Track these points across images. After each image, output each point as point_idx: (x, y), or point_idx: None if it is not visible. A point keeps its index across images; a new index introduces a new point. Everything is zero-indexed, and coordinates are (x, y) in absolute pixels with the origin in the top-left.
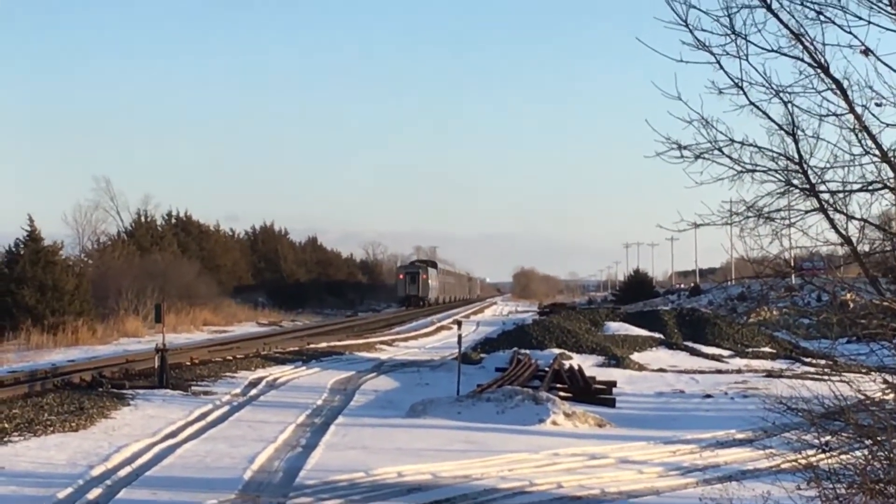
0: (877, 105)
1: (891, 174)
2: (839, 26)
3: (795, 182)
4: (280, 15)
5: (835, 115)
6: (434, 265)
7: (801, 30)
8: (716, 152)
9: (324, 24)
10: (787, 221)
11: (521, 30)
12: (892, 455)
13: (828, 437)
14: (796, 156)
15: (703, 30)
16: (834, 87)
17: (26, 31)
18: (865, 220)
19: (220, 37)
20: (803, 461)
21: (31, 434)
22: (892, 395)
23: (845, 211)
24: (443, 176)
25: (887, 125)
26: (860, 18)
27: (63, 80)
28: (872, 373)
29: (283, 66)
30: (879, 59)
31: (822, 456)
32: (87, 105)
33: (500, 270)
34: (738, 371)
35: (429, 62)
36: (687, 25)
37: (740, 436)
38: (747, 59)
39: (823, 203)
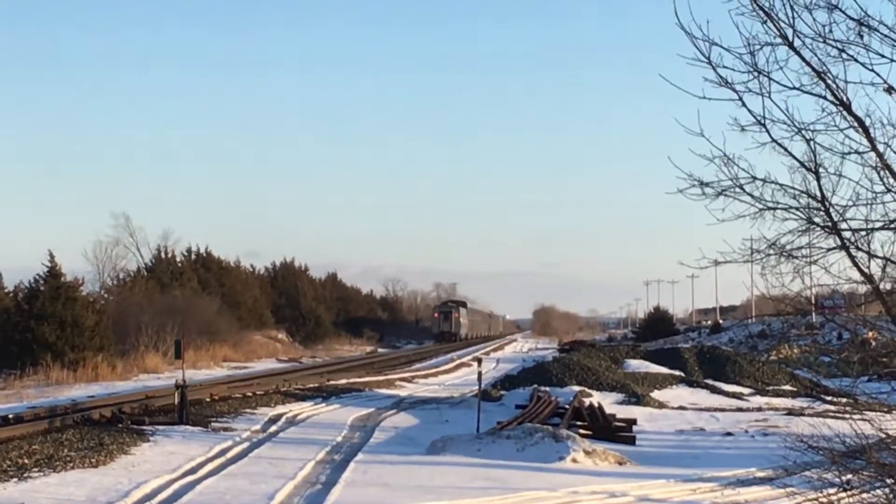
0: None
1: None
2: (861, 64)
3: (817, 220)
4: (302, 52)
5: (857, 152)
6: (464, 305)
7: (824, 67)
8: (737, 189)
9: (346, 57)
10: (808, 259)
11: (543, 64)
12: None
13: (849, 476)
14: (818, 193)
15: (725, 67)
16: (856, 124)
17: (45, 66)
18: (888, 259)
19: (237, 72)
20: (824, 500)
21: (50, 470)
22: None
23: (867, 249)
24: (463, 212)
25: None
26: (882, 56)
27: (81, 115)
28: (894, 411)
29: (304, 102)
30: None
31: (844, 495)
32: (106, 140)
33: (520, 307)
34: (759, 409)
35: (448, 95)
36: (710, 62)
37: (761, 474)
38: (769, 97)
39: (845, 241)
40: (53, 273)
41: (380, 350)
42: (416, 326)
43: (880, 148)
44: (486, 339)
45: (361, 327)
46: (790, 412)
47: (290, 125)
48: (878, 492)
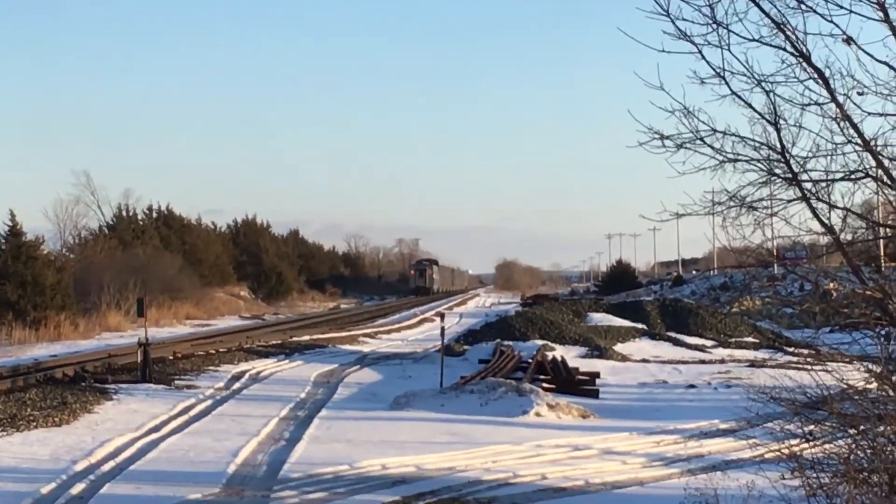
0: (859, 94)
1: (873, 163)
2: (821, 15)
3: (778, 171)
4: (261, 8)
5: (817, 104)
6: (436, 263)
7: (783, 19)
8: (698, 142)
9: (305, 18)
10: (769, 211)
11: (501, 21)
12: (875, 444)
13: (811, 427)
14: (778, 145)
15: (684, 19)
16: (816, 76)
17: (3, 25)
18: (848, 210)
19: (200, 30)
20: (787, 451)
21: (13, 429)
22: (875, 384)
23: (828, 200)
24: (424, 167)
25: (869, 114)
26: (842, 7)
27: (42, 74)
28: (855, 362)
29: (265, 60)
30: (861, 48)
31: (806, 445)
32: (67, 99)
33: (483, 262)
34: (722, 361)
35: (409, 55)
36: (668, 15)
37: (724, 426)
38: (729, 49)
39: (806, 192)
40: (14, 232)
41: (343, 306)
42: (378, 282)
43: (840, 99)
44: (455, 292)
45: (324, 283)
46: (752, 364)
47: (249, 82)
48: (841, 442)
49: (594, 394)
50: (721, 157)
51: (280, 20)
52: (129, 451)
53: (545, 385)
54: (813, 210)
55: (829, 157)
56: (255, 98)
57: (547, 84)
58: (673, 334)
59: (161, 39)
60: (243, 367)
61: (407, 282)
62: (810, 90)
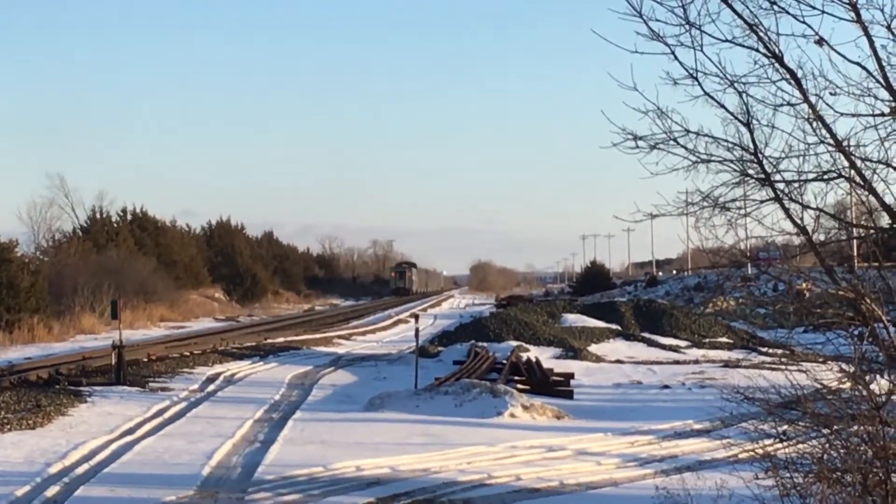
0: (831, 94)
1: (846, 163)
2: (793, 16)
3: (750, 172)
4: (233, 8)
5: (789, 104)
6: (414, 265)
7: (756, 20)
8: (671, 143)
9: (278, 20)
10: (742, 211)
11: (474, 23)
12: (849, 444)
13: (785, 427)
14: (751, 145)
15: (657, 20)
16: (788, 76)
17: None
18: (821, 210)
19: (173, 31)
20: (761, 451)
21: None
22: (848, 384)
23: (800, 200)
24: (398, 169)
25: (841, 114)
26: (814, 8)
27: (15, 76)
28: (829, 362)
29: (238, 62)
30: (833, 49)
31: (780, 445)
32: (41, 102)
33: (457, 263)
34: (696, 361)
35: (383, 57)
36: (641, 16)
37: (698, 426)
38: (702, 50)
39: (779, 192)
40: None
41: (317, 307)
42: (353, 283)
43: (812, 99)
44: (432, 293)
45: (298, 285)
46: (726, 364)
47: (223, 84)
48: (814, 442)
49: (569, 395)
50: (694, 158)
51: (254, 21)
52: (103, 454)
53: (520, 386)
54: (786, 210)
55: (801, 158)
56: (228, 100)
57: (521, 85)
58: (647, 335)
59: (135, 40)
60: (218, 369)
61: (381, 283)
62: (783, 91)
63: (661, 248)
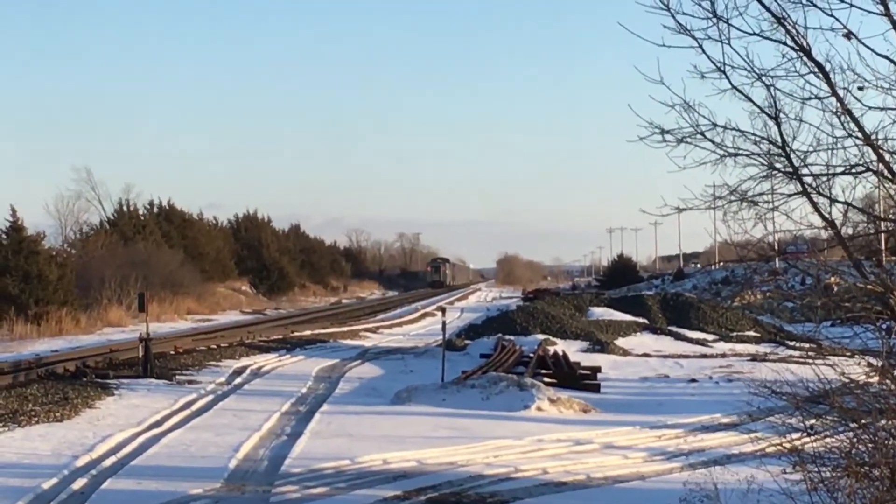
0: (859, 88)
1: (873, 157)
2: (821, 9)
3: (778, 166)
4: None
5: (817, 98)
6: (447, 260)
7: (784, 13)
8: (698, 136)
9: (306, 11)
10: (770, 205)
11: (501, 15)
12: (876, 438)
13: (812, 421)
14: (779, 139)
15: (684, 13)
16: (816, 70)
17: (5, 20)
18: (849, 204)
19: (200, 25)
20: (788, 445)
21: (15, 425)
22: (876, 378)
23: (828, 194)
24: (425, 162)
25: (870, 108)
26: (842, 1)
27: (43, 70)
28: (856, 356)
29: (266, 56)
30: (861, 42)
31: (807, 439)
32: (69, 95)
33: (484, 256)
34: (723, 355)
35: (411, 49)
36: (668, 9)
37: (725, 420)
38: (729, 43)
39: (807, 186)
40: (15, 227)
41: (344, 301)
42: (380, 276)
43: (840, 93)
44: (464, 286)
45: (325, 278)
46: (754, 358)
47: (248, 76)
48: (842, 436)
49: (595, 388)
50: (722, 152)
51: (281, 13)
52: (130, 447)
53: (546, 380)
54: (814, 204)
55: (829, 152)
56: (255, 92)
57: (548, 78)
58: (674, 328)
59: (161, 34)
60: (245, 361)
61: (409, 276)
62: (811, 84)
63: (689, 242)
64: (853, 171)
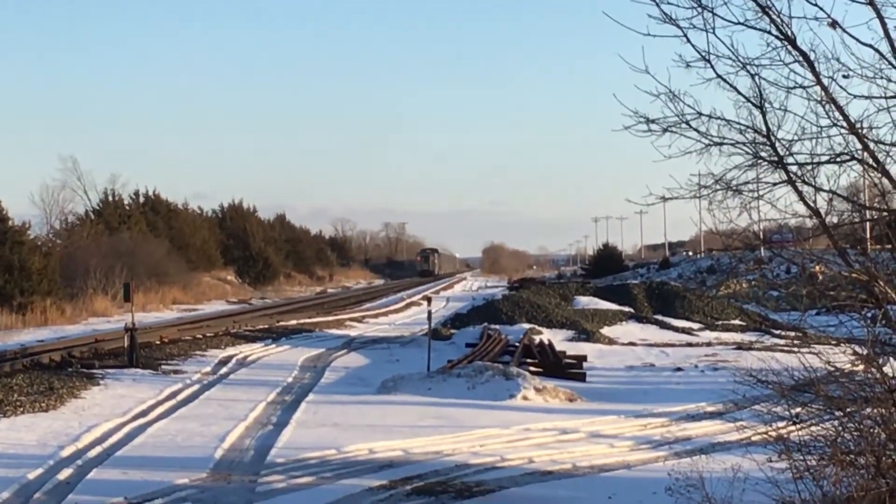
0: (844, 77)
1: (858, 146)
2: None
3: (763, 154)
4: None
5: (802, 87)
6: (436, 251)
7: (768, 2)
8: (683, 125)
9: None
10: (755, 194)
11: (489, 4)
12: (862, 426)
13: (798, 409)
14: (764, 128)
15: (669, 3)
16: (801, 59)
17: None
18: (833, 192)
19: (184, 15)
20: (774, 433)
21: (0, 415)
22: (861, 367)
23: (813, 183)
24: (411, 151)
25: (854, 97)
26: None
27: (28, 59)
28: (842, 344)
29: (252, 46)
30: (846, 32)
31: (793, 428)
32: (53, 84)
33: (470, 246)
34: (708, 344)
35: (397, 38)
36: None
37: (711, 409)
38: (714, 32)
39: (791, 175)
40: (0, 217)
41: (330, 290)
42: (366, 265)
43: (825, 82)
44: (451, 274)
45: (311, 267)
46: (739, 346)
47: (233, 66)
48: (827, 424)
49: (581, 377)
50: (707, 141)
51: (266, 4)
52: (116, 437)
53: (532, 369)
54: (799, 193)
55: (814, 140)
56: (239, 82)
57: (533, 67)
58: (660, 317)
59: (146, 23)
60: (230, 351)
61: (394, 266)
62: (795, 73)
63: (674, 231)
64: (838, 159)
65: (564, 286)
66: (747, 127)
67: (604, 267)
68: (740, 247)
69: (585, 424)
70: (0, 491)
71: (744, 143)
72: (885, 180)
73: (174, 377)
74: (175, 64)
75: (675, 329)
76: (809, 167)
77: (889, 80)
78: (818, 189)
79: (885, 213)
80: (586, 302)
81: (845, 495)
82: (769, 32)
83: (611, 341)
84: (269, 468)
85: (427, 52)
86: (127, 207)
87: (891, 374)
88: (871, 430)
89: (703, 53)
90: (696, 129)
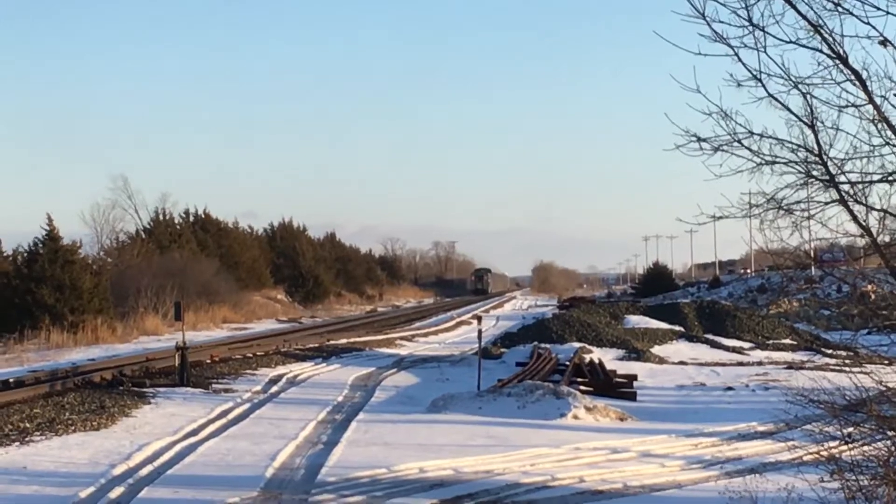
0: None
1: None
2: (857, 17)
3: (815, 173)
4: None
5: (854, 105)
6: (489, 271)
7: (820, 21)
8: (735, 144)
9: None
10: (806, 213)
11: (543, 21)
12: None
13: (850, 429)
14: (816, 147)
15: (720, 21)
16: (853, 77)
17: (43, 30)
18: (886, 211)
19: (231, 33)
20: (825, 453)
21: (52, 433)
22: None
23: (865, 202)
24: (461, 169)
25: None
26: (878, 9)
27: (80, 79)
28: (894, 364)
29: (304, 65)
30: None
31: (845, 448)
32: (104, 104)
33: (520, 264)
34: (759, 363)
35: (449, 50)
36: (704, 18)
37: (762, 428)
38: (765, 51)
39: (843, 194)
40: (52, 236)
41: (379, 309)
42: (416, 283)
43: (877, 101)
44: (499, 293)
45: (361, 286)
46: (790, 366)
47: (284, 85)
48: (880, 444)
49: (632, 396)
50: (758, 160)
51: (311, 21)
52: (167, 455)
53: (583, 388)
54: (850, 212)
55: (866, 159)
56: (287, 102)
57: (585, 86)
58: (710, 336)
59: (195, 42)
60: (281, 370)
61: (443, 284)
62: (847, 92)
63: (725, 250)
64: (890, 178)
65: (614, 305)
66: (799, 146)
67: (654, 285)
68: (791, 266)
69: (636, 444)
70: None
71: (795, 162)
72: None
73: (225, 396)
74: (226, 82)
75: (726, 348)
76: (861, 186)
77: None
78: (870, 208)
79: None
80: (636, 321)
81: None
82: (821, 51)
83: (661, 360)
84: (319, 487)
85: (479, 70)
86: (177, 226)
87: None
88: None
89: (755, 72)
90: (747, 148)
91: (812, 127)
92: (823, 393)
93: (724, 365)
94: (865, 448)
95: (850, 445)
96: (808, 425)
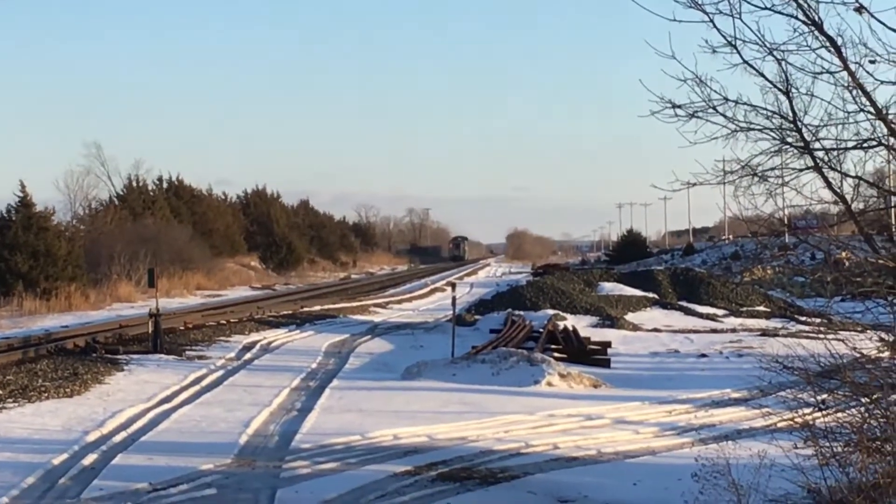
0: (871, 62)
1: (885, 131)
2: None
3: (790, 140)
4: None
5: (829, 72)
6: (466, 238)
7: None
8: (710, 111)
9: None
10: (781, 180)
11: None
12: (888, 413)
13: (824, 396)
14: (790, 114)
15: None
16: (828, 44)
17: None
18: (860, 178)
19: (208, 5)
20: (800, 420)
21: (25, 400)
22: (887, 353)
23: (840, 169)
24: (434, 137)
25: (882, 82)
26: None
27: (53, 46)
28: (868, 331)
29: (275, 34)
30: (873, 16)
31: (819, 414)
32: (78, 71)
33: (494, 232)
34: (733, 330)
35: (417, 24)
36: None
37: (736, 395)
38: (740, 18)
39: (818, 161)
40: (25, 203)
41: (353, 276)
42: (389, 250)
43: (852, 67)
44: (474, 261)
45: (335, 253)
46: (764, 333)
47: (259, 52)
48: (853, 411)
49: (606, 363)
50: (733, 126)
51: None
52: (140, 422)
53: (557, 355)
54: (825, 179)
55: (841, 126)
56: (262, 69)
57: (558, 53)
58: (684, 303)
59: (170, 10)
60: (254, 337)
61: (417, 252)
62: (822, 59)
63: (699, 217)
64: (864, 145)
65: (588, 272)
66: (774, 112)
67: (628, 253)
68: (766, 233)
69: (610, 410)
70: (25, 476)
71: (770, 129)
72: None
73: (198, 363)
74: (199, 50)
75: (700, 315)
76: (835, 153)
77: None
78: (844, 175)
79: None
80: (610, 288)
81: (871, 482)
82: (796, 17)
83: (635, 327)
84: (293, 454)
85: (451, 39)
86: (151, 193)
87: None
88: None
89: (730, 39)
90: (722, 115)
91: (787, 94)
92: (797, 360)
93: (697, 332)
94: (839, 415)
95: (824, 412)
96: (781, 392)
